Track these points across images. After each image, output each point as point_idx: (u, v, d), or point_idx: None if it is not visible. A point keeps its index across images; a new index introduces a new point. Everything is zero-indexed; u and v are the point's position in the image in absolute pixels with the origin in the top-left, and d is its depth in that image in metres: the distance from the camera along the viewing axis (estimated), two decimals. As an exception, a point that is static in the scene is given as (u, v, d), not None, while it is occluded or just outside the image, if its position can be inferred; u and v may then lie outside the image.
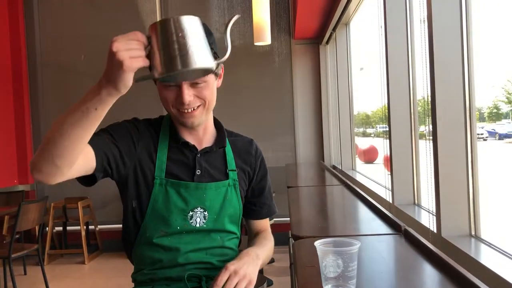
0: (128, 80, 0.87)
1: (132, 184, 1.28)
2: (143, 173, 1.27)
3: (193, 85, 1.19)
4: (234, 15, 0.98)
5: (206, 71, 0.97)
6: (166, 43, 0.87)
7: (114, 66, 0.85)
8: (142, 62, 0.87)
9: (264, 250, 1.33)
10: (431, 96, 1.87)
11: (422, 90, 2.14)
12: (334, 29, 4.50)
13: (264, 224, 1.47)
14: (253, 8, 3.72)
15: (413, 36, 2.50)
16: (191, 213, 1.26)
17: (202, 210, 1.26)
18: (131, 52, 0.85)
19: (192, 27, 0.89)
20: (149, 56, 0.90)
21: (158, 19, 5.25)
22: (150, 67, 0.91)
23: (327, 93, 5.22)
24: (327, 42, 5.08)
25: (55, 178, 1.03)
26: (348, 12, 3.98)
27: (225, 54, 0.94)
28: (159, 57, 0.88)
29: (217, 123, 1.39)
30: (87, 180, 1.18)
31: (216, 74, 1.25)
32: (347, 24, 4.51)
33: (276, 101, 5.29)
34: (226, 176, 1.31)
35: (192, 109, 1.22)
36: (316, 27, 4.70)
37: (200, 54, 0.88)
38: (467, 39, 1.82)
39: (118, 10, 5.27)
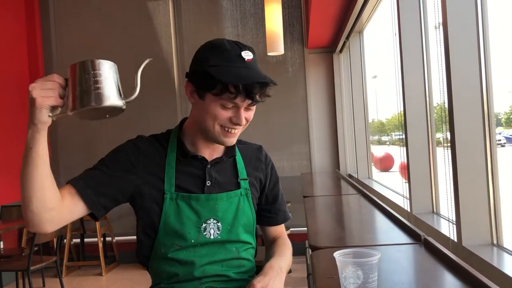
0: (41, 116, 0.98)
1: (141, 202, 1.28)
2: (151, 190, 1.26)
3: (247, 107, 1.21)
4: (145, 60, 1.10)
5: (114, 109, 1.04)
6: (82, 81, 0.99)
7: (30, 104, 0.98)
8: (54, 100, 0.99)
9: (285, 260, 1.32)
10: (448, 102, 1.85)
11: (439, 97, 2.11)
12: (347, 37, 4.50)
13: (280, 230, 1.46)
14: (266, 19, 3.74)
15: (428, 42, 2.47)
16: (204, 225, 1.24)
17: (215, 221, 1.25)
18: (44, 92, 0.97)
19: (106, 70, 1.01)
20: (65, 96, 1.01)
21: (172, 31, 5.31)
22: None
23: (342, 101, 5.20)
24: (340, 51, 5.07)
25: (45, 226, 1.09)
26: (361, 20, 3.97)
27: (133, 93, 1.06)
28: (74, 94, 0.99)
29: None
30: (94, 216, 1.24)
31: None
32: (360, 32, 4.50)
33: (290, 110, 5.28)
34: (238, 186, 1.30)
35: (237, 129, 1.24)
36: (329, 35, 4.70)
37: (111, 94, 1.01)
38: (483, 43, 1.80)
39: (133, 23, 5.34)
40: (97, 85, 0.99)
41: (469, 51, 1.80)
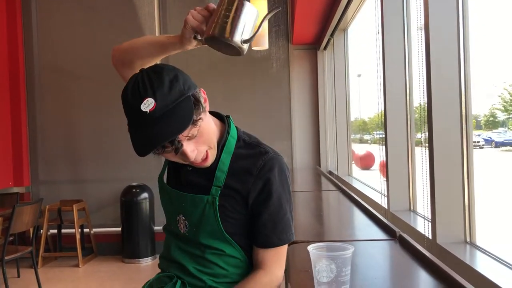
0: (185, 32, 1.15)
1: None
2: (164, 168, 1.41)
3: (189, 138, 1.13)
4: (276, 8, 1.19)
5: (233, 49, 1.14)
6: (219, 13, 1.11)
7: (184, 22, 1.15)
8: (196, 25, 1.14)
9: None
10: (428, 103, 1.87)
11: (419, 97, 2.14)
12: (332, 35, 4.52)
13: (261, 256, 1.23)
14: (252, 13, 3.72)
15: (410, 43, 2.50)
16: (177, 217, 1.29)
17: (184, 218, 1.27)
18: (195, 14, 1.14)
19: (245, 13, 1.12)
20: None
21: (157, 22, 5.26)
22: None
23: (325, 99, 5.23)
24: (325, 48, 5.10)
25: (121, 67, 1.32)
26: (346, 18, 4.00)
27: (252, 35, 1.14)
28: (211, 23, 1.11)
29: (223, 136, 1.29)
30: None
31: (201, 108, 1.14)
32: (345, 30, 4.53)
33: (273, 106, 5.29)
34: (208, 192, 1.23)
35: (201, 159, 1.19)
36: (314, 32, 4.72)
37: (235, 34, 1.10)
38: (464, 46, 1.83)
39: (116, 14, 5.27)
40: (226, 20, 1.10)
41: (449, 54, 1.83)
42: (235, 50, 1.14)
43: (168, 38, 1.22)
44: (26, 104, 5.28)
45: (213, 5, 1.14)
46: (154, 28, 5.25)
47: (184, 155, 1.13)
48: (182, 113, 1.07)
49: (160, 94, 1.05)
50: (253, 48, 3.83)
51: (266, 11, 3.73)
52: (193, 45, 1.18)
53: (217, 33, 1.10)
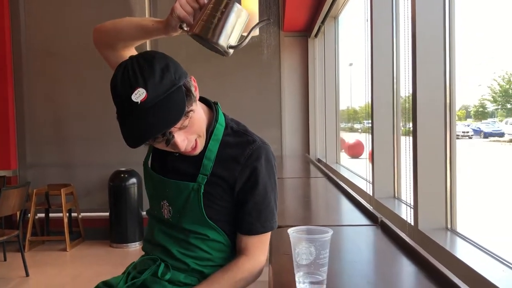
0: (171, 20, 1.10)
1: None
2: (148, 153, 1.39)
3: (180, 129, 1.12)
4: (266, 19, 1.19)
5: (218, 50, 1.12)
6: (209, 11, 1.08)
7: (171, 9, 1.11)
8: (183, 15, 1.09)
9: None
10: (413, 94, 1.90)
11: (405, 88, 2.17)
12: (323, 22, 4.51)
13: (245, 242, 1.25)
14: (242, -1, 3.70)
15: (399, 33, 2.52)
16: (161, 203, 1.30)
17: (167, 204, 1.28)
18: (184, 4, 1.09)
19: (233, 15, 1.09)
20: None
21: (147, 5, 5.20)
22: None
23: (315, 87, 5.24)
24: (316, 36, 5.09)
25: (105, 50, 1.29)
26: (337, 6, 3.99)
27: (241, 43, 1.13)
28: (198, 19, 1.09)
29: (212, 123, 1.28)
30: None
31: (192, 98, 1.14)
32: (335, 18, 4.52)
33: (263, 93, 5.29)
34: (194, 179, 1.23)
35: (191, 148, 1.19)
36: (305, 19, 4.70)
37: (221, 36, 1.08)
38: (449, 38, 1.84)
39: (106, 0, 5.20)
40: (216, 22, 1.07)
41: (435, 46, 1.84)
42: (220, 52, 1.13)
43: (153, 23, 1.17)
44: (13, 87, 5.22)
45: None
46: (144, 9, 5.20)
47: (175, 145, 1.14)
48: (174, 104, 1.06)
49: (152, 84, 1.04)
50: (243, 34, 3.82)
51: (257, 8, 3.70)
52: (178, 32, 1.15)
53: (203, 34, 1.08)
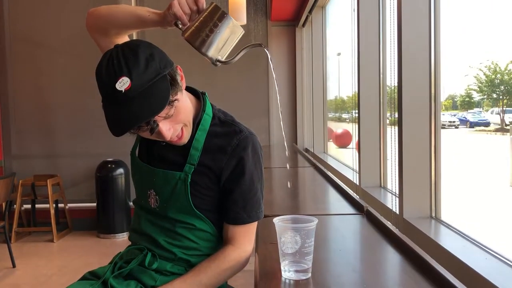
0: (168, 16, 1.12)
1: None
2: (135, 143, 1.40)
3: (165, 118, 1.13)
4: (259, 45, 1.18)
5: (208, 59, 1.13)
6: (203, 20, 1.10)
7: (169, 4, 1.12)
8: (180, 14, 1.10)
9: (190, 284, 1.20)
10: (398, 84, 1.91)
11: (391, 78, 2.18)
12: (310, 11, 4.50)
13: (231, 232, 1.26)
14: (229, -13, 3.67)
15: (385, 24, 2.52)
16: (148, 192, 1.30)
17: (154, 193, 1.28)
18: (182, 4, 1.11)
19: (225, 28, 1.11)
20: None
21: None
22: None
23: (302, 76, 5.24)
24: (303, 25, 5.08)
25: (95, 32, 1.28)
26: (324, -4, 3.98)
27: (230, 60, 1.14)
28: (193, 24, 1.11)
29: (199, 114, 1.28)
30: None
31: (178, 87, 1.14)
32: (323, 7, 4.51)
33: (251, 83, 5.28)
34: (181, 169, 1.24)
35: (177, 137, 1.19)
36: (293, 8, 4.69)
37: (212, 48, 1.10)
38: (435, 28, 1.85)
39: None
40: (209, 34, 1.10)
41: (420, 36, 1.85)
42: (209, 61, 1.15)
43: (149, 14, 1.18)
44: (-4, 76, 5.13)
45: (203, 2, 1.12)
46: (130, 1, 5.13)
47: (160, 134, 1.14)
48: (158, 93, 1.07)
49: (136, 73, 1.04)
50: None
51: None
52: (172, 27, 1.16)
53: (193, 42, 1.10)
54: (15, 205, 4.76)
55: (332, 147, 4.92)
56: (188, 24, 1.12)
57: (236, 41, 1.14)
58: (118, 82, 1.03)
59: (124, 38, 1.29)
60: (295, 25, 5.22)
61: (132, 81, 1.03)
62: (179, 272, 1.26)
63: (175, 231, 1.27)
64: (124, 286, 1.24)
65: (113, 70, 1.04)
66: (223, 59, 1.12)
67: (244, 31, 1.15)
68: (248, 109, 5.18)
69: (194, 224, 1.26)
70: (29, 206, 5.02)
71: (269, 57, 1.20)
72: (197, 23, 1.10)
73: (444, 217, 1.90)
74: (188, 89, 1.29)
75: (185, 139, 1.22)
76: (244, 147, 1.24)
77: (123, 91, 1.02)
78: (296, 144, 5.20)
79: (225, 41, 1.11)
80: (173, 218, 1.27)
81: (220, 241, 1.30)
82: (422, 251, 1.10)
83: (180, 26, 1.12)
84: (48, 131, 5.22)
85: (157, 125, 1.11)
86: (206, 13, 1.10)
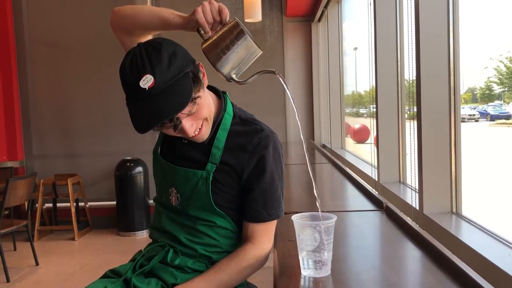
0: (191, 20, 1.13)
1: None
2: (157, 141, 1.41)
3: (188, 115, 1.15)
4: (271, 71, 1.16)
5: (221, 75, 1.13)
6: (222, 36, 1.10)
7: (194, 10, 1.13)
8: (201, 22, 1.11)
9: (214, 283, 1.20)
10: (417, 77, 1.88)
11: (409, 71, 2.14)
12: (326, 6, 4.46)
13: (251, 230, 1.26)
14: (244, -16, 3.67)
15: (402, 15, 2.49)
16: (169, 190, 1.31)
17: (175, 191, 1.29)
18: (206, 11, 1.11)
19: (243, 48, 1.11)
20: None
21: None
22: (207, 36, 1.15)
23: (319, 72, 5.21)
24: (319, 20, 5.04)
25: (122, 34, 1.30)
26: (340, -10, 3.95)
27: (243, 82, 1.15)
28: (213, 37, 1.11)
29: (220, 112, 1.30)
30: None
31: (200, 85, 1.17)
32: (339, 2, 4.47)
33: (267, 81, 5.26)
34: (203, 167, 1.25)
35: (197, 132, 1.21)
36: (308, 4, 4.66)
37: (227, 65, 1.11)
38: (453, 20, 1.82)
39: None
40: (225, 51, 1.09)
41: (439, 29, 1.82)
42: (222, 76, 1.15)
43: (173, 17, 1.19)
44: (17, 78, 5.23)
45: (227, 13, 1.13)
46: (146, 1, 5.17)
47: (183, 131, 1.16)
48: (181, 90, 1.09)
49: (159, 70, 1.06)
50: (245, 20, 3.79)
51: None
52: (195, 31, 1.17)
53: (208, 55, 1.10)
54: (37, 204, 4.85)
55: (349, 142, 4.89)
56: (210, 34, 1.13)
57: (252, 61, 1.14)
58: (142, 80, 1.05)
59: (147, 37, 1.30)
60: (311, 20, 5.19)
61: (155, 79, 1.05)
62: (200, 268, 1.27)
63: (195, 228, 1.28)
64: (145, 284, 1.25)
65: (137, 68, 1.06)
66: (236, 78, 1.13)
67: (262, 52, 1.14)
68: (265, 106, 5.18)
69: (214, 221, 1.27)
70: (50, 205, 5.11)
71: (284, 84, 1.19)
72: (215, 37, 1.11)
73: (465, 212, 1.87)
74: (210, 88, 1.30)
75: (205, 135, 1.23)
76: (265, 145, 1.25)
77: (147, 88, 1.05)
78: (313, 140, 5.17)
79: (240, 61, 1.11)
80: (193, 215, 1.27)
81: (240, 239, 1.31)
82: (443, 247, 1.08)
83: (202, 32, 1.13)
84: (68, 131, 5.31)
85: (180, 122, 1.13)
86: (226, 28, 1.11)
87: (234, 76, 1.12)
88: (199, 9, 1.11)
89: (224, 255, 1.27)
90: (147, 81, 1.05)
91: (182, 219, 1.30)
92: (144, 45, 1.11)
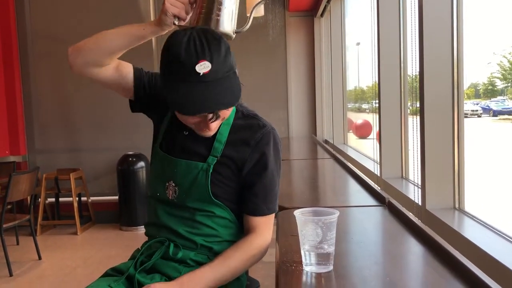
0: (166, 19, 1.14)
1: (154, 140, 1.41)
2: (156, 134, 1.40)
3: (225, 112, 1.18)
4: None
5: (225, 35, 1.19)
6: (208, 6, 1.15)
7: (162, 9, 1.14)
8: (178, 12, 1.14)
9: (216, 274, 1.21)
10: (420, 72, 1.87)
11: (412, 66, 2.13)
12: (328, 1, 4.44)
13: (253, 222, 1.29)
14: (246, -22, 3.65)
15: (405, 10, 2.47)
16: (167, 184, 1.31)
17: (174, 184, 1.29)
18: (174, 1, 1.13)
19: (229, 2, 1.17)
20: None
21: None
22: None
23: (321, 67, 5.19)
24: (322, 15, 5.02)
25: (87, 68, 1.33)
26: (343, -16, 3.92)
27: (244, 28, 1.22)
28: (198, 14, 1.16)
29: None
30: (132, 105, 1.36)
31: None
32: (341, -3, 4.45)
33: (269, 75, 5.25)
34: (204, 160, 1.26)
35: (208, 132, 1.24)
36: (311, -1, 4.64)
37: (226, 23, 1.17)
38: (457, 14, 1.81)
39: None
40: (218, 13, 1.15)
41: (443, 22, 1.81)
42: (225, 35, 1.19)
43: (144, 27, 1.20)
44: (20, 72, 5.23)
45: None
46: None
47: (209, 126, 1.18)
48: (231, 87, 1.11)
49: (217, 60, 1.07)
50: (248, 15, 3.77)
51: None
52: (171, 28, 1.18)
53: (211, 25, 1.14)
54: (39, 199, 4.87)
55: (352, 138, 4.88)
56: (187, 19, 1.16)
57: (236, 9, 1.21)
58: (199, 64, 1.05)
59: (114, 60, 1.30)
60: (314, 15, 5.16)
61: (212, 67, 1.06)
62: (203, 260, 1.28)
63: (194, 219, 1.29)
64: (149, 279, 1.25)
65: (195, 51, 1.06)
66: (238, 29, 1.20)
67: None
68: (266, 101, 5.17)
69: (213, 211, 1.29)
70: (53, 199, 5.13)
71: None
72: (203, 10, 1.15)
73: (468, 208, 1.87)
74: None
75: (215, 131, 1.24)
76: (267, 141, 1.27)
77: (201, 73, 1.05)
78: (316, 135, 5.16)
79: (233, 9, 1.18)
80: (192, 207, 1.28)
81: (239, 228, 1.33)
82: (446, 243, 1.08)
83: (177, 22, 1.15)
84: (70, 126, 5.31)
85: (219, 116, 1.15)
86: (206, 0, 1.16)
87: (235, 29, 1.19)
88: (167, 5, 1.13)
89: (224, 245, 1.29)
90: (204, 67, 1.05)
91: (180, 212, 1.30)
92: (202, 31, 1.12)
